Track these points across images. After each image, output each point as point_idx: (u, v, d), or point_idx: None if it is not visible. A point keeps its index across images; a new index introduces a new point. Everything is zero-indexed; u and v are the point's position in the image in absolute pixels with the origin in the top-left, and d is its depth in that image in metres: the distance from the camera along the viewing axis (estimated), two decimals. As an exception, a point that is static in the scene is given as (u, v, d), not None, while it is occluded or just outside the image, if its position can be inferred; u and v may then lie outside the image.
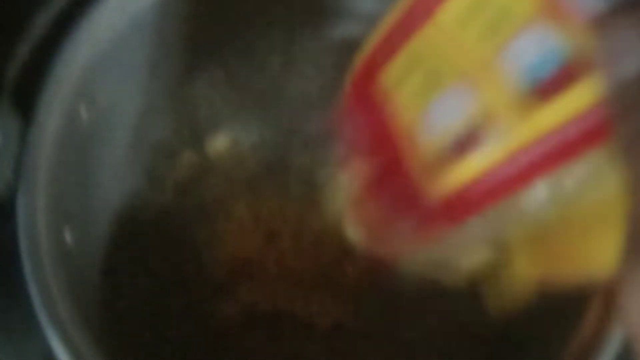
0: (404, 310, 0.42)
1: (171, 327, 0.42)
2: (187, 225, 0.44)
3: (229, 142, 0.46)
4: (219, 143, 0.45)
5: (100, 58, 0.38)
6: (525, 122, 0.22)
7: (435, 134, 0.25)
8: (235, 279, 0.43)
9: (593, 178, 0.23)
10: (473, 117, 0.24)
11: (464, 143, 0.24)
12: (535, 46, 0.22)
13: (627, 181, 0.18)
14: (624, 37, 0.18)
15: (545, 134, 0.22)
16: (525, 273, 0.29)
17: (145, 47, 0.41)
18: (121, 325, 0.40)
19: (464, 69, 0.25)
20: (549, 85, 0.22)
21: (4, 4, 0.34)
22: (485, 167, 0.23)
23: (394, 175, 0.27)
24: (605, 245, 0.23)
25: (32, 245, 0.34)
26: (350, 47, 0.30)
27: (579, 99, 0.21)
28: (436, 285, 0.32)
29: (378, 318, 0.43)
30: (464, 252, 0.31)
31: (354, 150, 0.30)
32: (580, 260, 0.28)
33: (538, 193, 0.24)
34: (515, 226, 0.26)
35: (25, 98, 0.35)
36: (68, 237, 0.36)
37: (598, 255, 0.26)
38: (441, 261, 0.31)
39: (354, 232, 0.31)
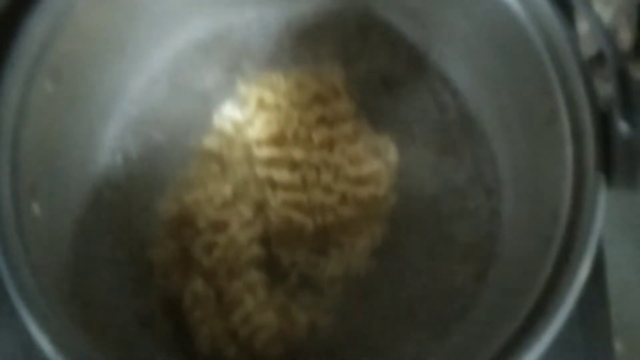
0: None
1: (139, 297, 0.42)
2: (154, 196, 0.44)
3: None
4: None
5: (64, 31, 0.38)
6: None
7: None
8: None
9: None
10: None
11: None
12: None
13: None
14: None
15: None
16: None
17: (112, 22, 0.41)
18: (89, 296, 0.40)
19: None
20: None
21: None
22: None
23: None
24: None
25: (-2, 217, 0.34)
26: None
27: None
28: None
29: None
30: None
31: None
32: None
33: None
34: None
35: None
36: (36, 209, 0.36)
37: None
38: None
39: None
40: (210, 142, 0.45)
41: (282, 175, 0.44)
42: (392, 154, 0.45)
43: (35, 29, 0.37)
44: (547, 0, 0.36)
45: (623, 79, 0.32)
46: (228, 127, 0.46)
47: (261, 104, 0.46)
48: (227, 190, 0.43)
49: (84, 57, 0.40)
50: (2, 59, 0.35)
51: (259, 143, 0.45)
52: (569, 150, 0.34)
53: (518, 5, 0.37)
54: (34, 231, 0.36)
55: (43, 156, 0.38)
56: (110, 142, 0.45)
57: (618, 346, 0.43)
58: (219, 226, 0.43)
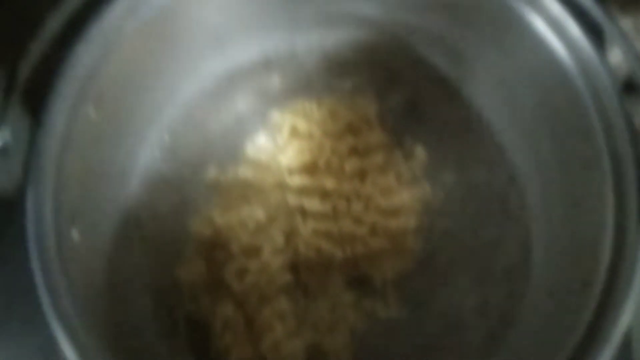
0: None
1: (169, 320, 0.43)
2: (185, 220, 0.45)
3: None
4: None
5: (109, 59, 0.38)
6: None
7: None
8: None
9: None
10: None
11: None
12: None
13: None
14: None
15: None
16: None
17: (152, 50, 0.42)
18: (121, 320, 0.41)
19: None
20: None
21: (18, 5, 0.34)
22: None
23: None
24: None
25: (40, 243, 0.35)
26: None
27: None
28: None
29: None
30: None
31: None
32: None
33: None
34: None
35: (36, 98, 0.35)
36: (75, 234, 0.37)
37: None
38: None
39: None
40: (243, 169, 0.46)
41: (313, 204, 0.44)
42: (423, 185, 0.46)
43: (84, 57, 0.37)
44: (593, 46, 0.37)
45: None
46: (261, 154, 0.46)
47: (294, 132, 0.46)
48: (260, 215, 0.44)
49: (125, 84, 0.41)
50: (49, 86, 0.36)
51: (291, 171, 0.45)
52: (609, 197, 0.35)
53: (562, 49, 0.38)
54: (73, 257, 0.36)
55: (83, 183, 0.38)
56: (145, 166, 0.45)
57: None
58: (252, 251, 0.43)
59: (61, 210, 0.36)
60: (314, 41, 0.48)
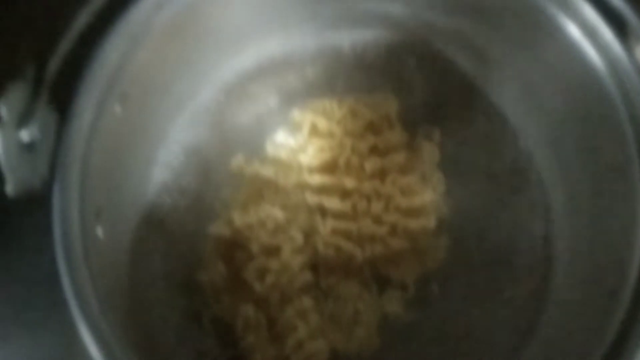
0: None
1: (191, 320, 0.43)
2: (205, 219, 0.44)
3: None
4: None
5: (135, 55, 0.38)
6: None
7: None
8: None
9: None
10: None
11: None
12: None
13: None
14: None
15: None
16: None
17: (177, 46, 0.41)
18: (144, 319, 0.41)
19: None
20: None
21: (48, 2, 0.34)
22: None
23: None
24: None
25: (66, 239, 0.35)
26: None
27: None
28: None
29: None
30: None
31: None
32: None
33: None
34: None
35: (64, 93, 0.35)
36: (99, 232, 0.37)
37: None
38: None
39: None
40: (264, 167, 0.45)
41: (332, 203, 0.44)
42: (442, 186, 0.46)
43: (111, 52, 0.37)
44: (626, 51, 0.37)
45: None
46: (281, 153, 0.46)
47: (314, 131, 0.46)
48: (279, 214, 0.44)
49: (150, 80, 0.40)
50: (77, 81, 0.35)
51: (310, 170, 0.45)
52: (639, 203, 0.35)
53: (594, 53, 0.38)
54: (98, 254, 0.36)
55: (107, 180, 0.38)
56: (165, 164, 0.45)
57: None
58: (272, 251, 0.43)
59: (86, 207, 0.36)
60: (337, 40, 0.48)
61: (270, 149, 0.46)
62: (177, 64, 0.42)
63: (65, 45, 0.34)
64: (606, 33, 0.37)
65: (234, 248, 0.43)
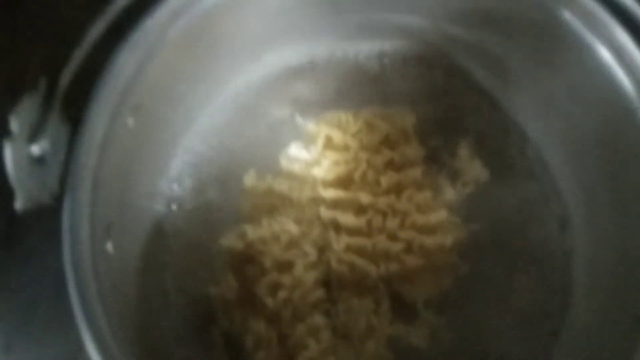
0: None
1: (201, 334, 0.42)
2: (216, 232, 0.44)
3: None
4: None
5: (149, 67, 0.37)
6: None
7: None
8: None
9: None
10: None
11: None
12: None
13: None
14: None
15: None
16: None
17: (191, 57, 0.41)
18: (153, 334, 0.40)
19: None
20: None
21: (61, 12, 0.33)
22: None
23: None
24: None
25: (75, 255, 0.34)
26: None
27: None
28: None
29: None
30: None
31: None
32: None
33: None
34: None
35: (76, 105, 0.34)
36: (109, 247, 0.36)
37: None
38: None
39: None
40: (277, 180, 0.45)
41: (347, 218, 0.43)
42: (461, 202, 0.45)
43: (125, 64, 0.36)
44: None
45: None
46: (294, 166, 0.45)
47: (329, 144, 0.45)
48: (293, 228, 0.43)
49: (163, 92, 0.40)
50: (90, 94, 0.35)
51: (325, 184, 0.44)
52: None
53: (622, 74, 0.37)
54: (108, 270, 0.35)
55: (118, 194, 0.37)
56: (177, 176, 0.45)
57: None
58: (285, 266, 0.42)
59: (97, 222, 0.35)
60: (353, 51, 0.47)
61: (284, 163, 0.45)
62: (191, 75, 0.42)
63: (78, 56, 0.33)
64: (636, 54, 0.36)
65: (246, 262, 0.43)
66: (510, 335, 0.42)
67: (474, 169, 0.45)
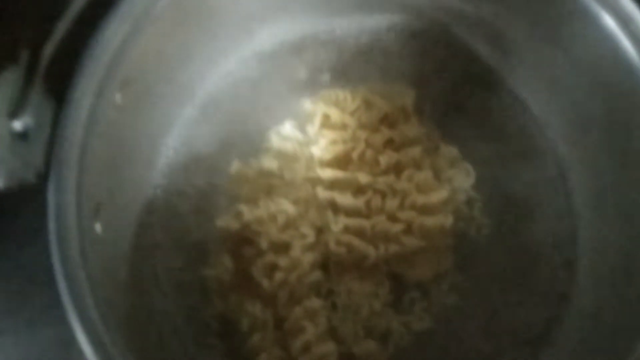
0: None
1: (195, 317, 0.41)
2: (210, 213, 0.43)
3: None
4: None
5: (137, 40, 0.36)
6: None
7: None
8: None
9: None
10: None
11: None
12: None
13: None
14: None
15: None
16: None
17: (181, 31, 0.39)
18: (143, 318, 0.39)
19: None
20: None
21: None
22: None
23: None
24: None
25: (61, 236, 0.33)
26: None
27: None
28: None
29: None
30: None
31: None
32: None
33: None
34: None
35: (60, 80, 0.33)
36: (98, 228, 0.35)
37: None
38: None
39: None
40: (269, 159, 0.43)
41: (345, 199, 0.42)
42: (462, 182, 0.44)
43: (112, 37, 0.35)
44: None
45: None
46: (289, 145, 0.44)
47: (326, 122, 0.44)
48: (291, 208, 0.42)
49: (152, 67, 0.38)
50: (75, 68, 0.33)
51: (322, 163, 0.43)
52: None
53: (628, 43, 0.36)
54: (96, 252, 0.34)
55: (107, 173, 0.36)
56: (169, 156, 0.43)
57: None
58: (282, 247, 0.41)
59: (84, 202, 0.34)
60: (351, 27, 0.46)
61: (275, 140, 0.44)
62: (181, 50, 0.40)
63: (62, 28, 0.32)
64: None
65: (242, 243, 0.42)
66: (512, 310, 0.41)
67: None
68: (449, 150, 0.44)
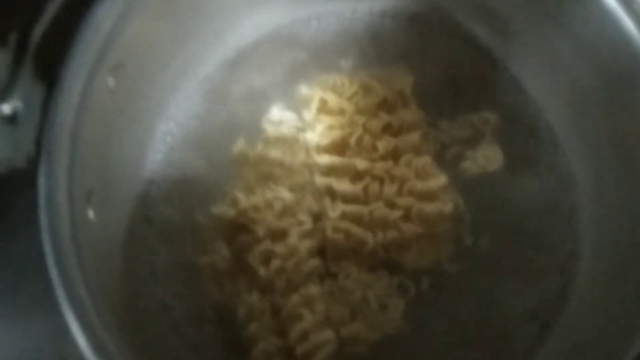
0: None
1: (190, 306, 0.40)
2: (205, 199, 0.42)
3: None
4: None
5: (130, 23, 0.35)
6: None
7: None
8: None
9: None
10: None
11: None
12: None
13: None
14: None
15: None
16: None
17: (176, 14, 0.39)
18: (138, 305, 0.38)
19: None
20: None
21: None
22: None
23: None
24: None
25: (53, 223, 0.32)
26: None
27: None
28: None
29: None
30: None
31: None
32: None
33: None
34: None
35: (50, 62, 0.32)
36: (91, 214, 0.34)
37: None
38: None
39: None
40: (266, 146, 0.43)
41: (342, 185, 0.41)
42: (462, 168, 0.43)
43: (103, 19, 0.34)
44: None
45: None
46: (285, 131, 0.43)
47: (323, 108, 0.43)
48: (287, 195, 0.41)
49: (146, 51, 0.38)
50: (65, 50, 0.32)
51: (319, 149, 0.42)
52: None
53: (630, 22, 0.35)
54: (89, 239, 0.33)
55: (100, 158, 0.35)
56: (163, 141, 0.43)
57: None
58: (278, 234, 0.40)
59: (76, 188, 0.33)
60: (348, 10, 0.45)
61: (268, 128, 0.43)
62: (175, 33, 0.40)
63: (52, 8, 0.31)
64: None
65: (238, 230, 0.41)
66: (513, 299, 0.41)
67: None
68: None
